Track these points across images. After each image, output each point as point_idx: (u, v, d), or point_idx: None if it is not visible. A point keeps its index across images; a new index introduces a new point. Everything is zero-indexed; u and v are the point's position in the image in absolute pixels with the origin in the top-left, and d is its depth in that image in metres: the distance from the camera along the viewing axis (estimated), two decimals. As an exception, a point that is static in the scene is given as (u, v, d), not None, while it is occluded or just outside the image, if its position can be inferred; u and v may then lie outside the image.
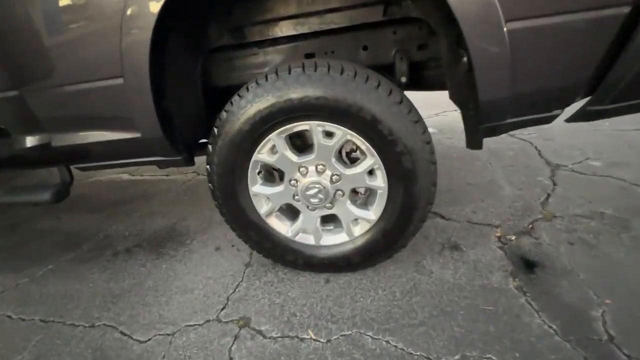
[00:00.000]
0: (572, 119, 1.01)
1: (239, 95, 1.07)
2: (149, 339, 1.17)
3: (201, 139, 1.43)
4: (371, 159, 1.09)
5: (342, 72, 0.98)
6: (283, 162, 1.14)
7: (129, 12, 0.96)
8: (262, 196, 1.23)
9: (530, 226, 1.48)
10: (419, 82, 1.47)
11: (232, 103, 1.08)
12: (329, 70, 0.98)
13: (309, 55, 1.33)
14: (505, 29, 0.83)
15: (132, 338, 1.18)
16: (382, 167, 1.08)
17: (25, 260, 1.72)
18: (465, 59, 0.93)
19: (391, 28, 1.27)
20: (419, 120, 1.04)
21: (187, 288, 1.37)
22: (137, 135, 1.17)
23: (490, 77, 0.89)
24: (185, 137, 1.27)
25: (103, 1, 0.98)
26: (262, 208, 1.25)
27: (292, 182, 1.18)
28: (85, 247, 1.76)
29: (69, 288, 1.48)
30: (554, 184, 1.78)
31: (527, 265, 1.27)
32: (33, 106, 1.16)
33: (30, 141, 1.27)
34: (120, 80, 1.05)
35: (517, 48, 0.84)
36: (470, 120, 1.04)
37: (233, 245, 1.59)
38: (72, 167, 1.46)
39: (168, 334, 1.17)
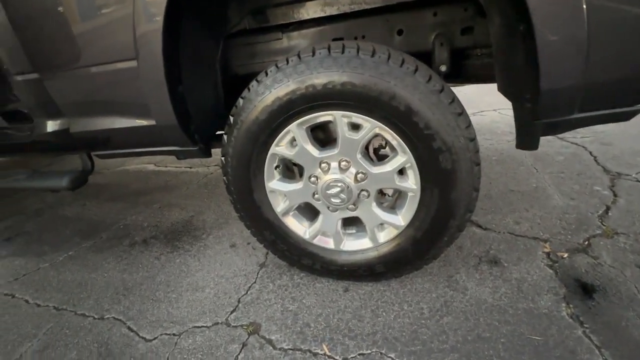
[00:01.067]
0: (660, 115, 0.81)
1: (257, 81, 0.97)
2: (155, 338, 1.11)
3: (219, 130, 1.36)
4: (403, 157, 0.95)
5: (373, 55, 0.85)
6: (303, 156, 1.03)
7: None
8: (279, 193, 1.13)
9: (587, 243, 1.27)
10: (460, 73, 1.30)
11: (249, 89, 0.98)
12: (358, 52, 0.86)
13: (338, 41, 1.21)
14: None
15: (138, 335, 1.13)
16: (415, 166, 0.94)
17: (48, 245, 1.75)
18: (526, 40, 0.76)
19: (431, 9, 1.12)
20: (462, 112, 0.88)
21: (198, 286, 1.31)
22: (152, 122, 1.11)
23: (559, 60, 0.72)
24: (201, 127, 1.20)
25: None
26: (279, 206, 1.15)
27: (312, 179, 1.07)
28: (104, 236, 1.76)
29: (85, 276, 1.47)
30: (615, 195, 1.54)
31: (584, 290, 1.07)
32: (50, 89, 1.13)
33: (50, 126, 1.26)
34: (133, 63, 0.99)
35: (597, 22, 0.67)
36: (526, 115, 0.88)
37: (249, 243, 1.51)
38: (93, 155, 1.45)
39: (174, 334, 1.11)
